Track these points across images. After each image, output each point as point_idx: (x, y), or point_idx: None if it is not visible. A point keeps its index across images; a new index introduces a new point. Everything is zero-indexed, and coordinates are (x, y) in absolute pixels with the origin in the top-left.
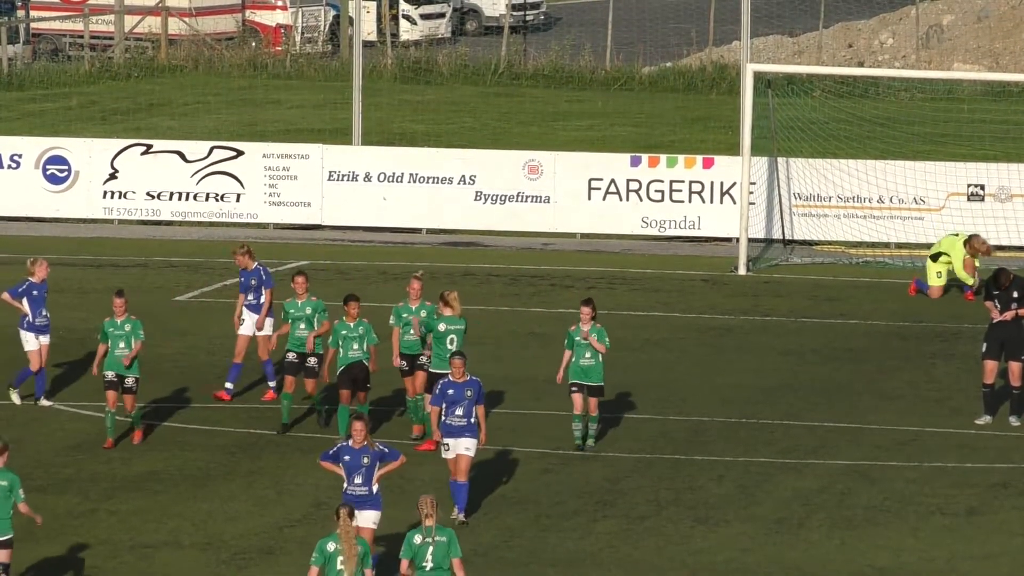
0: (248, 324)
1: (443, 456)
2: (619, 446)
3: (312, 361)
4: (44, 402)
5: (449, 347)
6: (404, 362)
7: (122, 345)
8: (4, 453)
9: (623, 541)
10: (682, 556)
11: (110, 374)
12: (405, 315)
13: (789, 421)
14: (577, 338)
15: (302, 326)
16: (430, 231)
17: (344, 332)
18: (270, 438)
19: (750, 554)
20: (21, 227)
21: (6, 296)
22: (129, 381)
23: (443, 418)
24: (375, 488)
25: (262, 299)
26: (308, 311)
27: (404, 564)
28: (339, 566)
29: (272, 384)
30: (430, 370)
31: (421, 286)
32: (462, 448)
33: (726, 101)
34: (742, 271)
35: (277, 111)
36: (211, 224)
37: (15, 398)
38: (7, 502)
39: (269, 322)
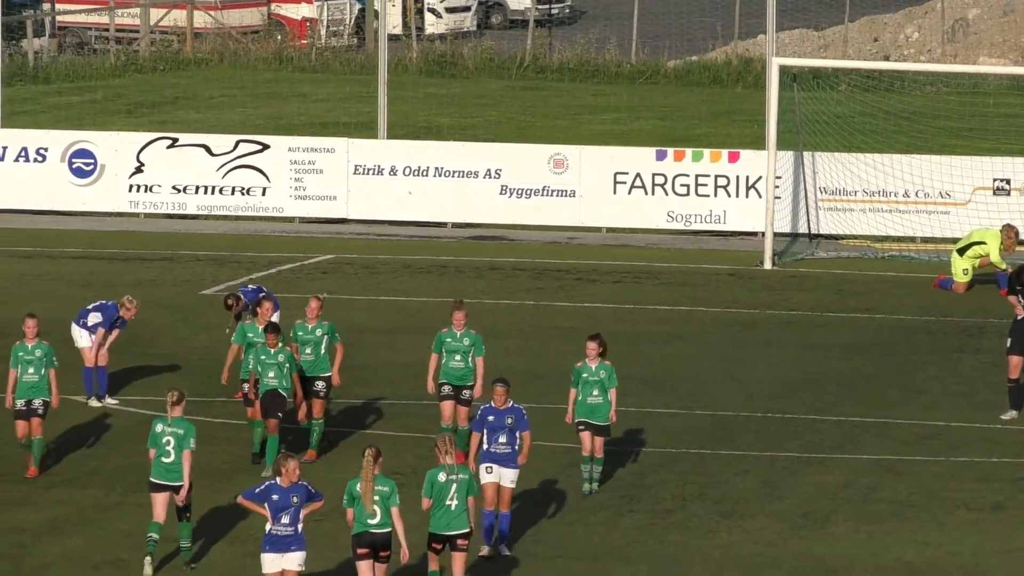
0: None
1: (483, 480)
2: (644, 440)
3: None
4: (94, 402)
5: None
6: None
7: (31, 371)
8: (181, 403)
9: (649, 535)
10: (707, 550)
11: (20, 403)
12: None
13: (814, 415)
14: (584, 375)
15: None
16: (455, 225)
17: (264, 358)
18: (295, 432)
19: (775, 548)
20: (47, 220)
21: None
22: (36, 403)
23: (485, 446)
24: (300, 528)
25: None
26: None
27: (426, 502)
28: (365, 506)
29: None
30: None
31: None
32: (507, 481)
33: (751, 95)
34: (768, 265)
35: (303, 105)
36: (237, 218)
37: (106, 402)
38: (182, 450)
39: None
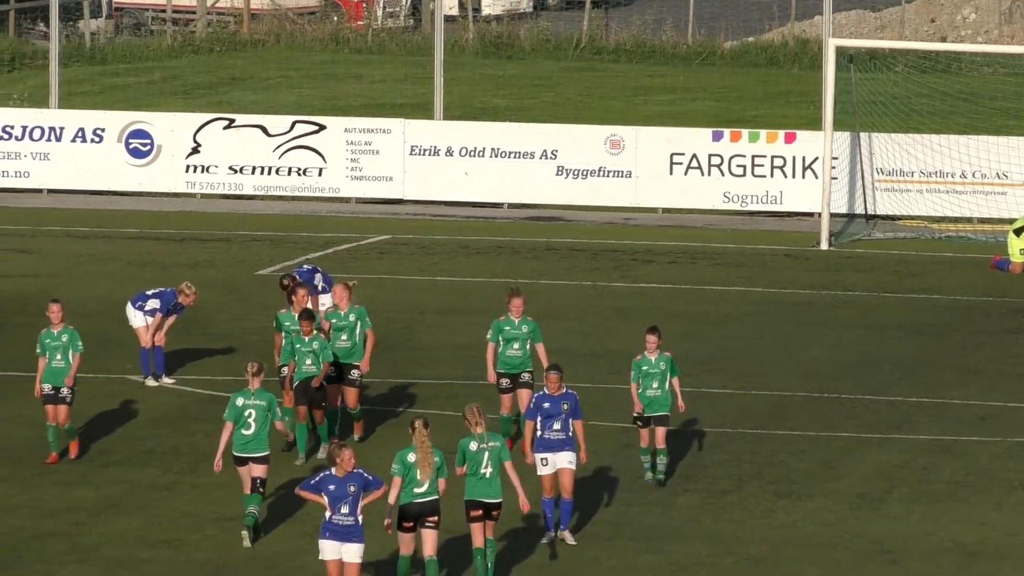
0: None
1: (539, 472)
2: (701, 420)
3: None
4: (151, 382)
5: (247, 422)
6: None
7: (58, 357)
8: (260, 374)
9: (705, 515)
10: (763, 530)
11: (47, 387)
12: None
13: (871, 396)
14: (644, 367)
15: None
16: (512, 206)
17: (299, 346)
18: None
19: (832, 528)
20: (103, 201)
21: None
22: (64, 391)
23: (539, 433)
24: (360, 518)
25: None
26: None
27: (460, 469)
28: (419, 476)
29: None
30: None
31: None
32: (564, 462)
33: (808, 76)
34: (824, 246)
35: (359, 86)
36: (293, 198)
37: (163, 381)
38: (266, 421)
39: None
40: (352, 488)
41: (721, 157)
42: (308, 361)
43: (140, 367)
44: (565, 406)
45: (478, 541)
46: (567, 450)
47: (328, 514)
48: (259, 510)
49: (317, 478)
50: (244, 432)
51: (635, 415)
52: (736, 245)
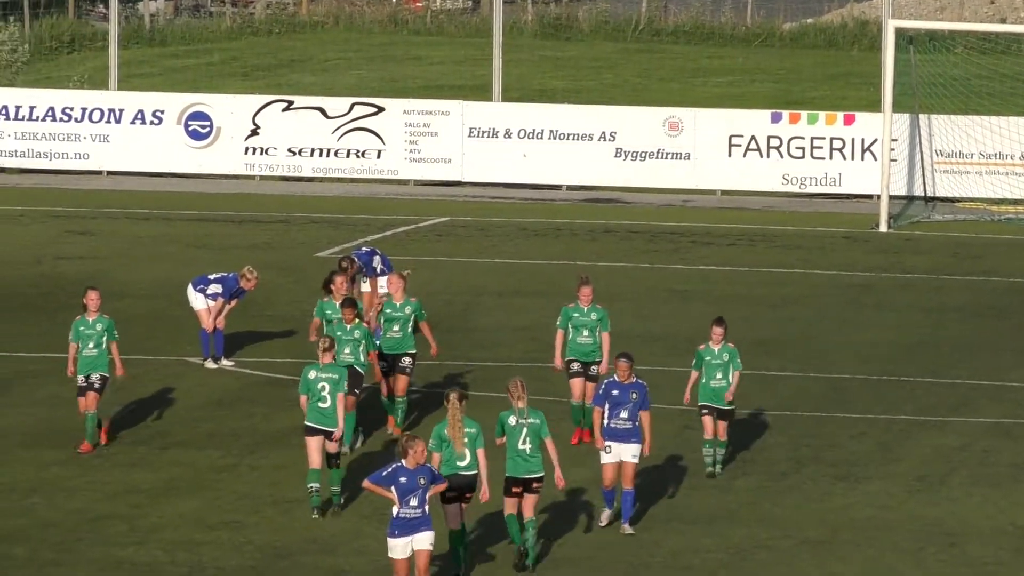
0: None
1: (603, 461)
2: (759, 403)
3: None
4: (210, 364)
5: (322, 395)
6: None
7: (91, 345)
8: (332, 349)
9: (763, 498)
10: (822, 513)
11: (80, 378)
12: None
13: (930, 378)
14: (707, 358)
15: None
16: (570, 188)
17: (340, 334)
18: (409, 393)
19: (890, 511)
20: (163, 183)
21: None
22: (94, 378)
23: (606, 421)
24: (427, 509)
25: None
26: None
27: (500, 440)
28: (455, 449)
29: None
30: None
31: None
32: (628, 455)
33: (867, 57)
34: (883, 228)
35: (418, 67)
36: (352, 180)
37: (223, 363)
38: (335, 393)
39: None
40: (422, 481)
41: (780, 139)
42: (347, 350)
43: (200, 349)
44: (634, 395)
45: (510, 509)
46: (632, 441)
47: (396, 509)
48: (339, 487)
49: (388, 470)
50: (320, 405)
51: (700, 405)
52: (795, 227)
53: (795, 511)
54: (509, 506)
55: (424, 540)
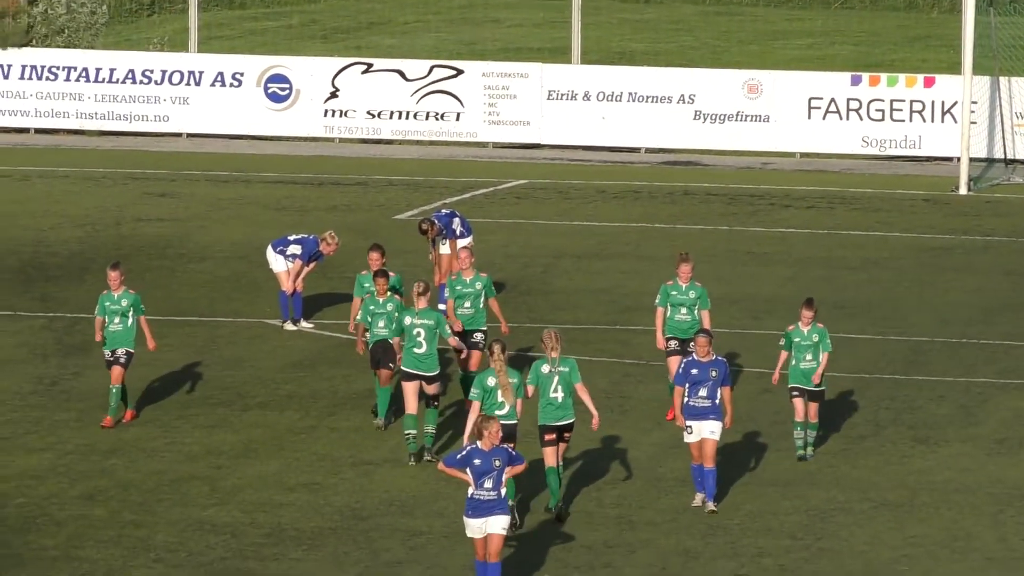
0: None
1: (685, 440)
2: (839, 366)
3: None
4: (289, 326)
5: (418, 341)
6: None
7: (117, 320)
8: (427, 294)
9: (842, 460)
10: (900, 476)
11: (106, 352)
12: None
13: (1010, 341)
14: (796, 339)
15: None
16: (649, 150)
17: (372, 308)
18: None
19: (970, 474)
20: (242, 145)
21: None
22: (119, 352)
23: (687, 399)
24: (503, 492)
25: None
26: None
27: (530, 389)
28: (499, 398)
29: None
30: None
31: None
32: (707, 432)
33: (947, 20)
34: (963, 190)
35: (496, 30)
36: (431, 143)
37: (302, 325)
38: (434, 339)
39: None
40: (497, 462)
41: (859, 101)
42: (381, 324)
43: (279, 311)
44: (714, 373)
45: (550, 461)
46: (712, 418)
47: (471, 490)
48: (434, 427)
49: (463, 453)
50: (416, 351)
51: (791, 387)
52: (874, 190)
53: (874, 474)
54: (548, 457)
55: (497, 524)
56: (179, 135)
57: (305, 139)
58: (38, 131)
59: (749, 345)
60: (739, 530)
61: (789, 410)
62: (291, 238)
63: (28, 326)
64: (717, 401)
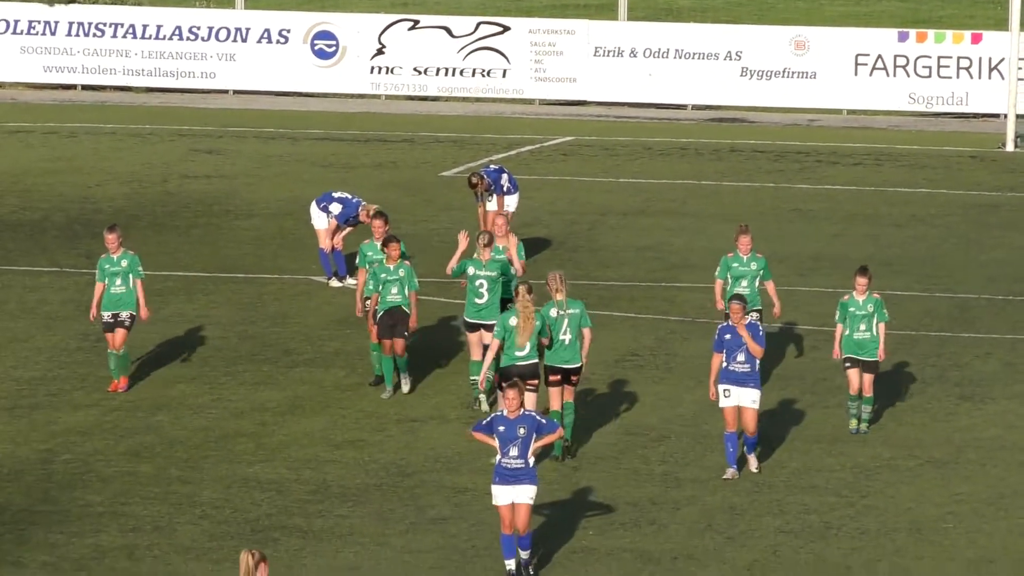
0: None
1: (720, 404)
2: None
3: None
4: (334, 282)
5: (479, 291)
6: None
7: (119, 283)
8: (491, 244)
9: (888, 418)
10: (946, 433)
11: (107, 315)
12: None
13: None
14: (851, 309)
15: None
16: (695, 107)
17: (383, 275)
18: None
19: (1016, 431)
20: (289, 102)
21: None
22: (124, 315)
23: (725, 364)
24: (531, 461)
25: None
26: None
27: (545, 340)
28: (517, 340)
29: None
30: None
31: None
32: (748, 400)
33: None
34: (1010, 147)
35: None
36: (477, 100)
37: (347, 282)
38: (497, 290)
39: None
40: (522, 430)
41: (906, 58)
42: (393, 290)
43: (322, 268)
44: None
45: (555, 404)
46: (751, 386)
47: (498, 457)
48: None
49: (488, 419)
50: (476, 301)
51: (844, 357)
52: (921, 146)
53: (920, 431)
54: (553, 399)
55: (524, 494)
56: (226, 92)
57: (351, 96)
58: (85, 88)
59: (796, 302)
60: (784, 487)
61: (835, 368)
62: (335, 195)
63: (74, 282)
64: (756, 368)
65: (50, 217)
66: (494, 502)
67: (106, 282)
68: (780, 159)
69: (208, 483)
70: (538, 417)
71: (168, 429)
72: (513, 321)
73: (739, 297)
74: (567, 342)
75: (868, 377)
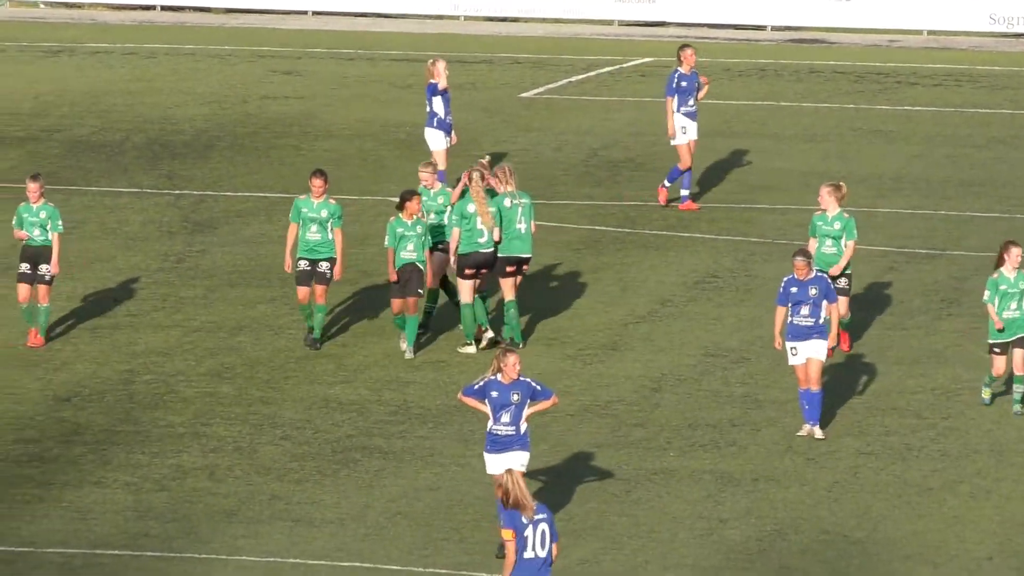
0: (690, 131)
1: (790, 362)
2: (965, 244)
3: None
4: None
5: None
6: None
7: (37, 233)
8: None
9: (968, 339)
10: None
11: (24, 266)
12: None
13: None
14: (1002, 286)
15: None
16: (774, 28)
17: (400, 230)
18: (614, 235)
19: None
20: (367, 23)
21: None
22: (43, 270)
23: (790, 319)
24: (524, 427)
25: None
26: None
27: (497, 232)
28: (478, 224)
29: (667, 184)
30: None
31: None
32: (813, 351)
33: None
34: None
35: None
36: (556, 21)
37: None
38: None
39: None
40: (516, 396)
41: None
42: (410, 247)
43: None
44: (813, 291)
45: (509, 295)
46: (816, 337)
47: (489, 423)
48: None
49: (481, 383)
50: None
51: (991, 343)
52: (1002, 68)
53: None
54: (508, 290)
55: (516, 460)
56: (304, 12)
57: (431, 16)
58: (164, 8)
59: (875, 223)
60: (864, 409)
61: (913, 290)
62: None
63: (154, 203)
64: (821, 320)
65: (130, 138)
66: (487, 471)
67: (26, 230)
68: (860, 80)
69: (289, 403)
70: (532, 383)
71: (249, 350)
72: (471, 208)
73: (803, 252)
74: (522, 231)
75: (1021, 353)
